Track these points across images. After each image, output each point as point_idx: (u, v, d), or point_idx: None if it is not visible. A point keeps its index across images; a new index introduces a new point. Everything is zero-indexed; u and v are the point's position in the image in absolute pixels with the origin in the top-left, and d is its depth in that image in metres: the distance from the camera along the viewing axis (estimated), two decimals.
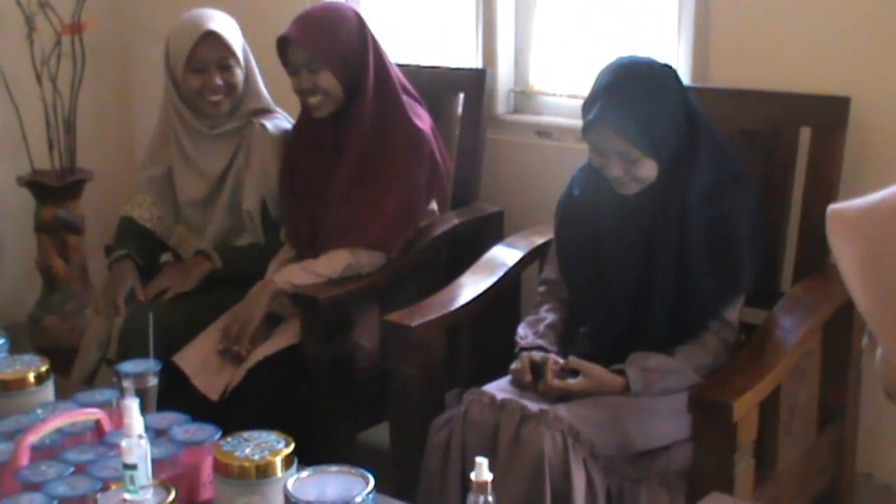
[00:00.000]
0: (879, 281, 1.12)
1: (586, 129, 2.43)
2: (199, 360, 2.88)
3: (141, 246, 3.21)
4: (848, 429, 2.73)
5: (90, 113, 4.04)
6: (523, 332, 2.61)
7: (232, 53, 3.02)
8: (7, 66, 3.84)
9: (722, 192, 2.45)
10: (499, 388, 2.46)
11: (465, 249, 3.06)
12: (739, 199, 2.47)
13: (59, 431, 2.05)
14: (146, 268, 3.19)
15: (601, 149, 2.42)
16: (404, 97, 3.00)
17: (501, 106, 3.43)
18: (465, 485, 1.92)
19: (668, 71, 2.48)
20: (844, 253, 1.15)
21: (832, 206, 1.19)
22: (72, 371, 3.07)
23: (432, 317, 2.59)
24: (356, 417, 2.95)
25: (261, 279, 2.97)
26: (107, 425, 2.09)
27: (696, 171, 2.44)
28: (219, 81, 3.01)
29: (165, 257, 3.32)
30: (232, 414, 2.76)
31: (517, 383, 2.48)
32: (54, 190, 3.92)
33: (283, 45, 2.92)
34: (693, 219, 2.43)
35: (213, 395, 2.82)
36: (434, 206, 3.09)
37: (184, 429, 2.07)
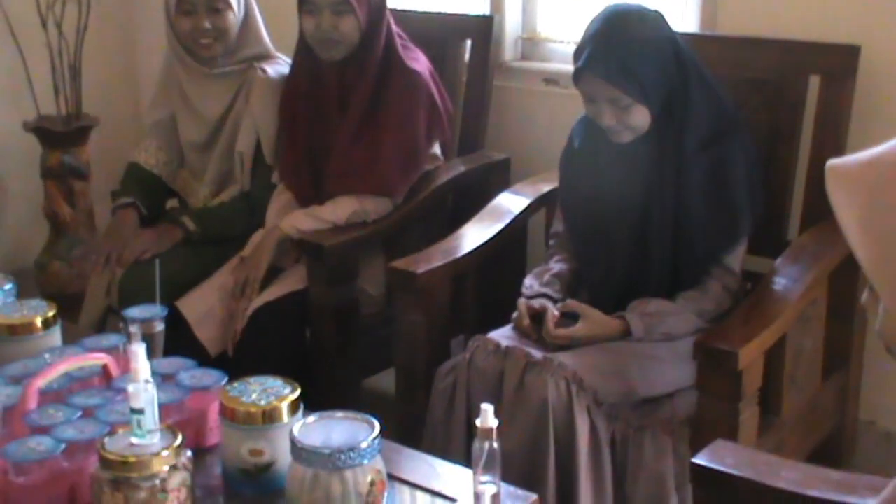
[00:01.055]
0: (880, 235, 1.12)
1: (576, 78, 2.43)
2: (202, 309, 2.90)
3: (146, 191, 3.22)
4: (852, 377, 2.74)
5: (96, 58, 4.02)
6: (529, 283, 2.62)
7: None
8: (12, 10, 3.84)
9: (718, 139, 2.45)
10: (503, 336, 2.47)
11: (471, 197, 3.06)
12: (736, 146, 2.46)
13: (67, 376, 2.06)
14: (151, 216, 3.19)
15: (592, 96, 2.42)
16: (398, 42, 2.98)
17: (509, 53, 3.42)
18: (471, 431, 1.92)
19: (658, 17, 2.46)
20: (844, 207, 1.15)
21: (831, 161, 1.19)
22: (79, 317, 3.08)
23: (438, 264, 2.60)
24: (361, 364, 2.95)
25: (238, 235, 2.99)
26: (114, 370, 2.10)
27: (690, 118, 2.44)
28: (207, 25, 3.00)
29: (172, 202, 3.33)
30: (237, 359, 2.78)
31: (520, 331, 2.49)
32: (60, 135, 3.92)
33: None
34: (689, 165, 2.43)
35: (213, 350, 2.85)
36: (437, 149, 3.08)
37: (190, 374, 2.09)
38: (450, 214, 3.13)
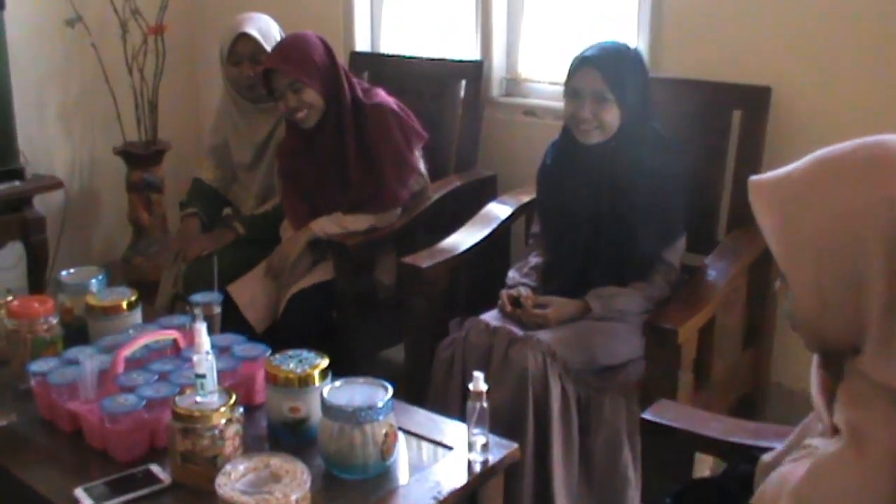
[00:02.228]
0: (791, 236, 1.13)
1: (572, 73, 2.42)
2: (249, 294, 2.87)
3: (207, 202, 3.21)
4: (765, 347, 2.73)
5: (169, 97, 3.99)
6: (511, 275, 2.61)
7: (262, 50, 2.95)
8: (106, 60, 3.83)
9: (662, 152, 2.44)
10: (492, 317, 2.45)
11: (466, 205, 3.02)
12: (674, 163, 2.45)
13: (146, 347, 2.07)
14: (209, 222, 3.18)
15: (579, 90, 2.40)
16: (359, 89, 2.90)
17: (496, 90, 3.39)
18: (465, 394, 1.92)
19: (639, 53, 2.51)
20: (763, 214, 1.16)
21: (752, 178, 1.19)
22: (155, 300, 3.08)
23: (440, 259, 2.59)
24: (377, 339, 2.93)
25: (279, 238, 2.96)
26: (182, 343, 2.11)
27: (645, 137, 2.43)
28: (249, 73, 2.98)
29: (227, 210, 3.30)
30: (279, 334, 2.76)
31: (505, 314, 2.47)
32: (141, 157, 3.90)
33: (267, 76, 2.80)
34: (638, 178, 2.41)
35: (259, 328, 2.82)
36: (422, 166, 2.97)
37: (242, 347, 2.10)
38: (449, 219, 3.08)
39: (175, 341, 2.10)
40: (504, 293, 2.50)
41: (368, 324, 2.85)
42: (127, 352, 1.99)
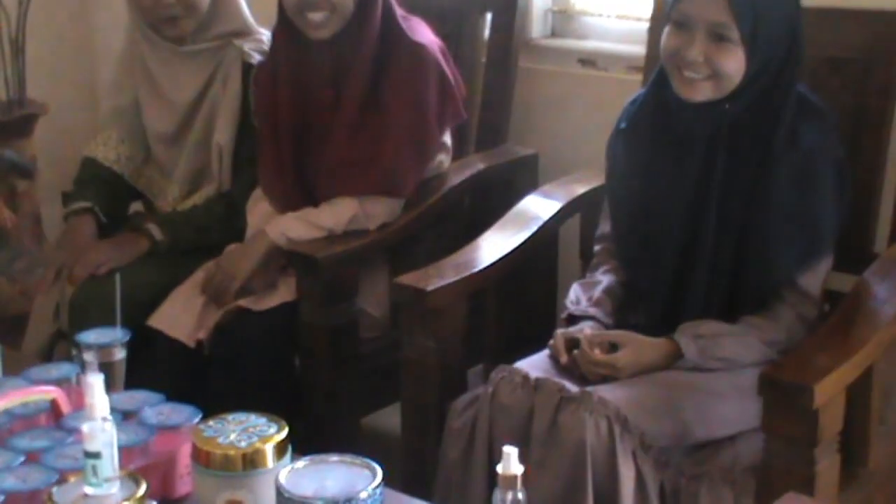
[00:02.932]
0: None
1: None
2: (173, 314, 2.91)
3: (105, 193, 3.24)
4: None
5: (42, 34, 4.04)
6: (575, 297, 2.61)
7: None
8: None
9: (810, 135, 2.43)
10: (534, 366, 2.45)
11: (493, 199, 3.07)
12: (830, 148, 2.45)
13: (8, 413, 2.06)
14: (110, 221, 3.21)
15: (690, 17, 2.40)
16: (397, 13, 2.98)
17: (537, 28, 3.43)
18: (492, 479, 1.91)
19: None
20: None
21: None
22: (22, 342, 3.09)
23: (452, 279, 2.58)
24: (360, 397, 2.95)
25: (216, 243, 3.01)
26: (64, 406, 2.10)
27: (786, 103, 2.42)
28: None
29: (137, 206, 3.35)
30: (216, 385, 2.80)
31: (555, 361, 2.48)
32: (0, 126, 3.93)
33: None
34: (776, 163, 2.40)
35: (188, 339, 2.86)
36: (447, 138, 3.06)
37: (157, 410, 2.09)
38: (467, 220, 3.13)
39: (53, 403, 2.09)
40: (559, 333, 2.50)
41: (347, 374, 2.86)
42: None
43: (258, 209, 3.04)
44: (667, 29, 2.44)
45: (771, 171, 2.41)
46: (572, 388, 2.33)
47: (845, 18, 2.76)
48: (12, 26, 3.90)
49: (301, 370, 2.88)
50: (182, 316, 2.90)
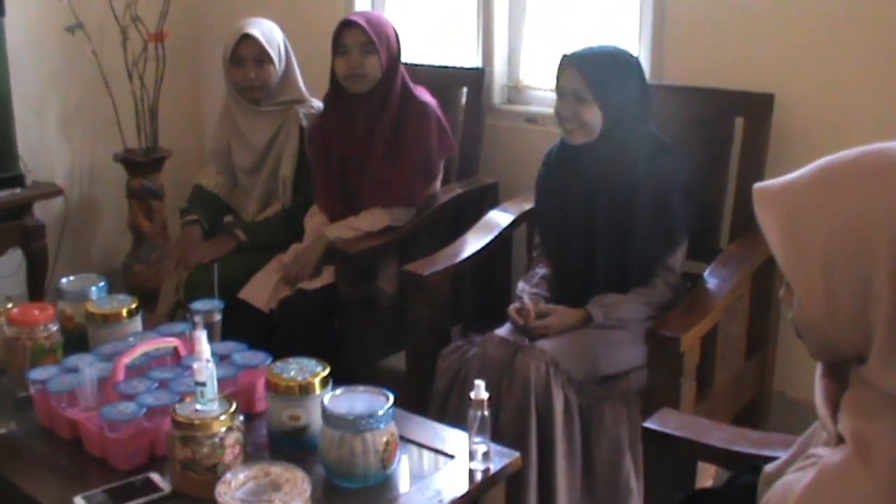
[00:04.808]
0: (796, 247, 1.12)
1: (558, 74, 2.44)
2: (255, 290, 2.88)
3: (208, 208, 3.21)
4: (768, 356, 2.72)
5: (169, 103, 3.99)
6: (521, 286, 2.59)
7: (265, 53, 2.99)
8: (106, 66, 3.83)
9: (660, 156, 2.43)
10: (505, 332, 2.43)
11: (468, 213, 3.03)
12: (675, 165, 2.44)
13: (146, 355, 2.06)
14: (211, 228, 3.18)
15: (562, 89, 2.42)
16: (409, 82, 2.98)
17: (497, 97, 3.39)
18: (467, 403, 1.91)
19: (632, 55, 2.48)
20: (767, 222, 1.15)
21: (757, 185, 1.19)
22: (156, 308, 3.08)
23: (441, 267, 2.58)
24: (379, 347, 2.93)
25: (280, 243, 2.99)
26: (182, 351, 2.11)
27: (638, 140, 2.42)
28: (252, 75, 3.00)
29: (228, 218, 3.28)
30: (280, 337, 2.77)
31: (515, 326, 2.46)
32: (141, 164, 3.90)
33: (341, 28, 2.88)
34: (636, 176, 2.40)
35: (264, 306, 2.83)
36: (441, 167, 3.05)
37: (242, 355, 2.09)
38: (451, 226, 3.08)
39: (175, 349, 2.09)
40: (512, 308, 2.48)
41: (370, 331, 2.84)
42: (127, 359, 1.98)
43: (314, 220, 3.01)
44: (556, 101, 2.46)
45: (638, 191, 2.40)
46: (523, 342, 2.34)
47: (698, 93, 2.75)
48: (150, 99, 3.89)
49: (339, 327, 2.85)
50: (261, 292, 2.87)
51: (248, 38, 2.98)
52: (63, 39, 3.76)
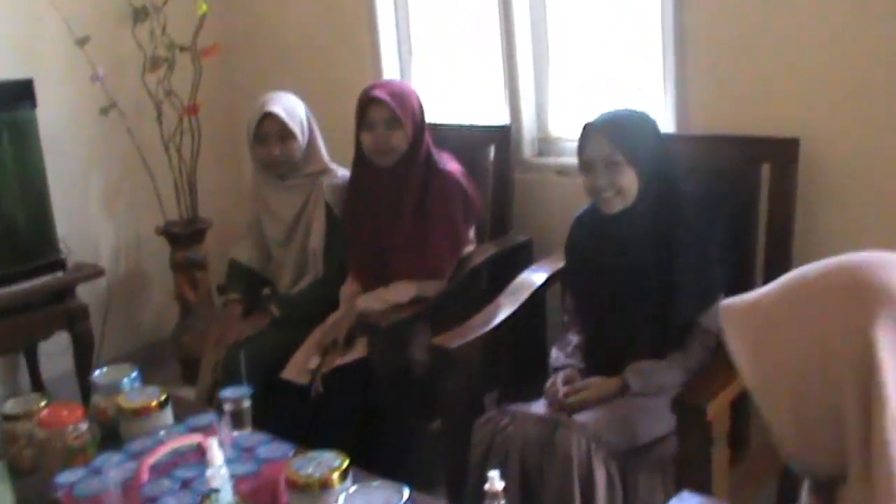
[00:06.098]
0: (761, 371, 1.10)
1: (581, 147, 2.44)
2: (296, 366, 2.92)
3: (246, 283, 3.27)
4: None
5: (207, 174, 4.09)
6: (556, 355, 2.58)
7: (288, 129, 3.05)
8: (144, 142, 3.95)
9: (694, 213, 2.41)
10: (538, 406, 2.43)
11: (503, 272, 3.03)
12: (709, 221, 2.42)
13: (172, 453, 2.09)
14: (250, 303, 3.23)
15: (591, 160, 2.40)
16: (433, 150, 3.00)
17: (527, 150, 3.39)
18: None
19: (650, 115, 2.48)
20: (734, 344, 1.13)
21: (723, 303, 1.17)
22: (196, 388, 3.14)
23: (470, 337, 2.56)
24: (416, 415, 2.91)
25: (316, 315, 3.02)
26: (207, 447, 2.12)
27: (672, 197, 2.40)
28: (276, 152, 3.06)
29: (266, 290, 3.35)
30: (320, 415, 2.80)
31: (550, 400, 2.44)
32: (183, 236, 4.00)
33: (366, 103, 2.92)
34: (673, 236, 2.38)
35: (304, 380, 2.86)
36: (472, 233, 3.07)
37: (266, 447, 2.10)
38: (487, 286, 3.09)
39: (199, 445, 2.12)
40: (548, 385, 2.46)
41: (406, 400, 2.85)
42: (151, 460, 2.02)
43: (348, 290, 3.06)
44: (581, 175, 2.45)
45: (677, 251, 2.38)
46: (562, 418, 2.32)
47: (721, 142, 2.73)
48: (188, 171, 3.98)
49: (373, 398, 2.85)
50: (301, 368, 2.90)
51: (269, 116, 3.03)
52: (100, 120, 3.87)
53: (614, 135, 2.37)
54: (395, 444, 2.74)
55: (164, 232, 4.02)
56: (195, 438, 2.13)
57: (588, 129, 2.43)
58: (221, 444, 1.92)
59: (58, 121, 3.75)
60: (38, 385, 3.81)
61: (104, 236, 4.12)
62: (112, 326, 4.01)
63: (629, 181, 2.37)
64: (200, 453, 2.12)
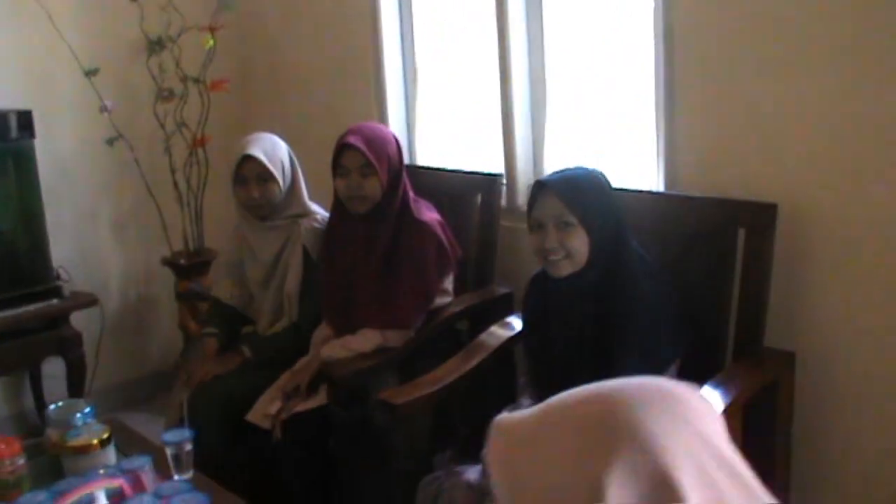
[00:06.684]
0: (507, 484, 1.04)
1: (531, 205, 2.35)
2: (260, 409, 2.91)
3: (226, 320, 3.27)
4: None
5: (215, 205, 4.13)
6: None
7: (268, 172, 3.05)
8: (150, 176, 4.02)
9: (645, 278, 2.32)
10: (476, 472, 2.38)
11: (482, 323, 2.96)
12: (660, 286, 2.34)
13: (88, 496, 2.09)
14: (228, 341, 3.23)
15: (541, 219, 2.31)
16: (411, 197, 2.97)
17: (521, 197, 3.33)
18: None
19: (603, 174, 2.39)
20: (490, 454, 1.07)
21: (498, 416, 1.11)
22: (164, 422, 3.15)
23: (418, 395, 2.51)
24: (373, 466, 2.80)
25: (289, 358, 3.00)
26: (129, 492, 2.13)
27: (624, 261, 2.32)
28: (255, 194, 3.06)
29: (247, 329, 3.33)
30: (278, 460, 2.79)
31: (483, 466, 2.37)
32: (187, 268, 4.03)
33: (340, 149, 2.90)
34: (624, 303, 2.28)
35: (266, 424, 2.85)
36: (448, 284, 3.03)
37: (182, 497, 2.10)
38: (466, 337, 3.04)
39: (121, 489, 2.12)
40: (484, 453, 2.40)
41: (362, 450, 2.80)
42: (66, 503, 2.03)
43: (320, 335, 3.04)
44: (529, 235, 2.37)
45: (627, 318, 2.28)
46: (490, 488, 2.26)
47: (702, 203, 2.65)
48: (195, 203, 4.02)
49: (332, 448, 2.82)
50: (265, 412, 2.89)
51: (249, 159, 3.04)
52: (109, 150, 3.94)
53: (568, 194, 2.27)
54: (350, 493, 2.71)
55: (169, 263, 4.07)
56: (116, 482, 2.13)
57: (539, 187, 2.34)
58: (143, 490, 1.92)
59: (68, 150, 3.83)
60: (40, 405, 3.89)
61: (114, 265, 4.20)
62: (117, 353, 4.08)
63: (580, 244, 2.29)
64: (121, 497, 2.13)
